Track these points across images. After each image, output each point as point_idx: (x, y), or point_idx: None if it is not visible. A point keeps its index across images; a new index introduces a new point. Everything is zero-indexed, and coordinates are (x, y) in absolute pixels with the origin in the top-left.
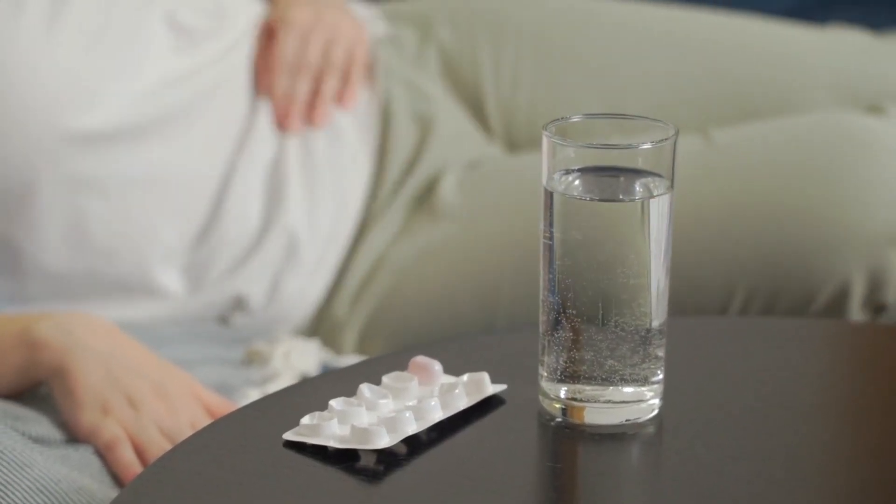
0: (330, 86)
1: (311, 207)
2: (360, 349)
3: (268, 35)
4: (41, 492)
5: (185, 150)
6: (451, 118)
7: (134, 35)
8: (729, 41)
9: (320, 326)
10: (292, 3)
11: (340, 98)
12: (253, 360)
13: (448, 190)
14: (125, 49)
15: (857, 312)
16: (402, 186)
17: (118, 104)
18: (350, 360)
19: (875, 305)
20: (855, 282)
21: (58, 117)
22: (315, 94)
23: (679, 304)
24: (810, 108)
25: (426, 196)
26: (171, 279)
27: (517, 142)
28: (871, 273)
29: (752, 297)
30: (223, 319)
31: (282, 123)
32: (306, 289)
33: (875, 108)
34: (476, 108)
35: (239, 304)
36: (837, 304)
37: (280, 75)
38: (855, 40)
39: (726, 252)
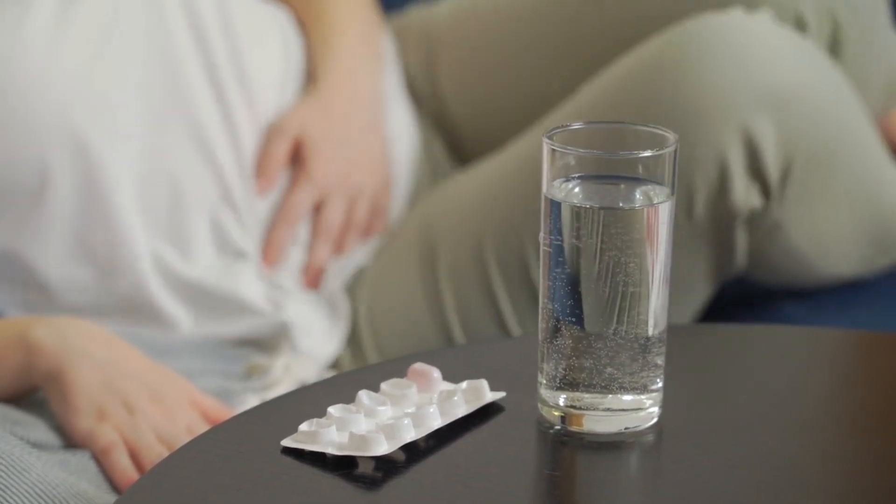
0: (350, 246)
1: None
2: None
3: (294, 150)
4: (39, 496)
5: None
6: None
7: (137, 40)
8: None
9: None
10: (321, 111)
11: (365, 233)
12: (253, 373)
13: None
14: (131, 55)
15: (743, 196)
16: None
17: (125, 112)
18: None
19: (759, 183)
20: (728, 155)
21: (65, 122)
22: (334, 250)
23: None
24: None
25: None
26: (175, 307)
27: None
28: (743, 142)
29: None
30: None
31: (307, 284)
32: (322, 344)
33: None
34: (451, 139)
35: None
36: (722, 193)
37: (291, 230)
38: None
39: None
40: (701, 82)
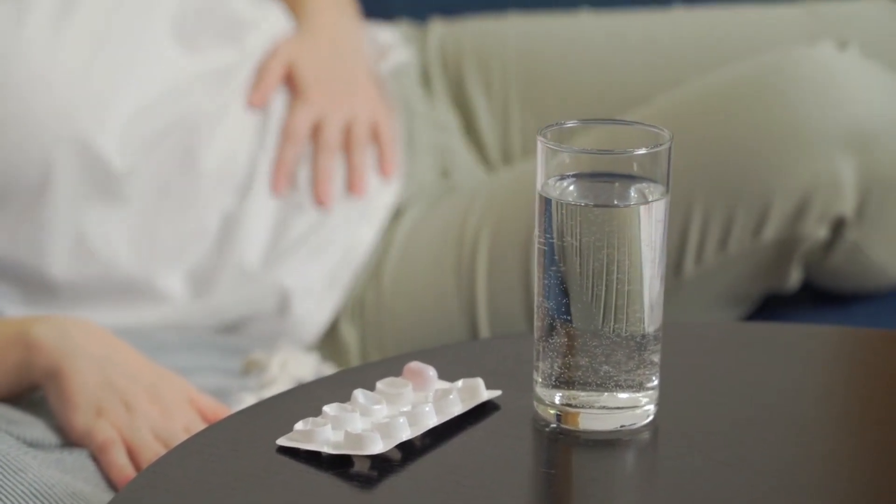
0: (363, 161)
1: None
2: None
3: (287, 80)
4: (35, 496)
5: (194, 161)
6: (464, 149)
7: (138, 39)
8: (717, 38)
9: (327, 343)
10: (310, 41)
11: (381, 169)
12: (250, 369)
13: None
14: (130, 54)
15: (814, 227)
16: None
17: (126, 110)
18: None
19: (833, 219)
20: (809, 190)
21: (65, 121)
22: (352, 169)
23: None
24: None
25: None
26: (174, 284)
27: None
28: (824, 180)
29: (709, 220)
30: (229, 328)
31: (319, 200)
32: (315, 312)
33: (841, 46)
34: (474, 138)
35: (246, 317)
36: (795, 222)
37: (295, 149)
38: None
39: (680, 173)
40: (792, 116)
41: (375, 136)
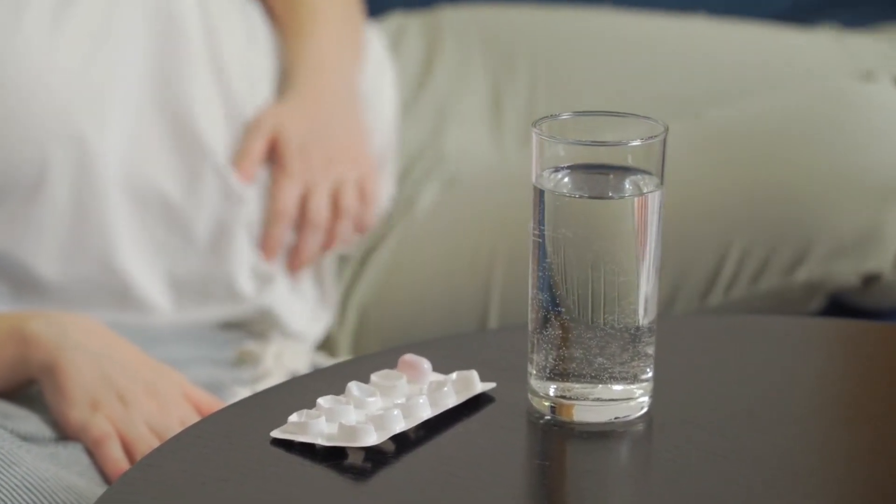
0: (343, 235)
1: None
2: (354, 351)
3: (270, 153)
4: (28, 490)
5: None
6: (463, 139)
7: (133, 38)
8: (738, 56)
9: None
10: (296, 108)
11: (350, 239)
12: (244, 360)
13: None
14: (125, 53)
15: (848, 276)
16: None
17: (121, 110)
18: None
19: (870, 273)
20: (851, 239)
21: (62, 120)
22: (326, 242)
23: (674, 263)
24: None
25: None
26: (162, 292)
27: None
28: (867, 233)
29: (746, 256)
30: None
31: (292, 270)
32: (308, 326)
33: (868, 75)
34: (494, 125)
35: (234, 325)
36: (830, 267)
37: (283, 229)
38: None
39: (720, 209)
40: (844, 159)
41: (362, 196)
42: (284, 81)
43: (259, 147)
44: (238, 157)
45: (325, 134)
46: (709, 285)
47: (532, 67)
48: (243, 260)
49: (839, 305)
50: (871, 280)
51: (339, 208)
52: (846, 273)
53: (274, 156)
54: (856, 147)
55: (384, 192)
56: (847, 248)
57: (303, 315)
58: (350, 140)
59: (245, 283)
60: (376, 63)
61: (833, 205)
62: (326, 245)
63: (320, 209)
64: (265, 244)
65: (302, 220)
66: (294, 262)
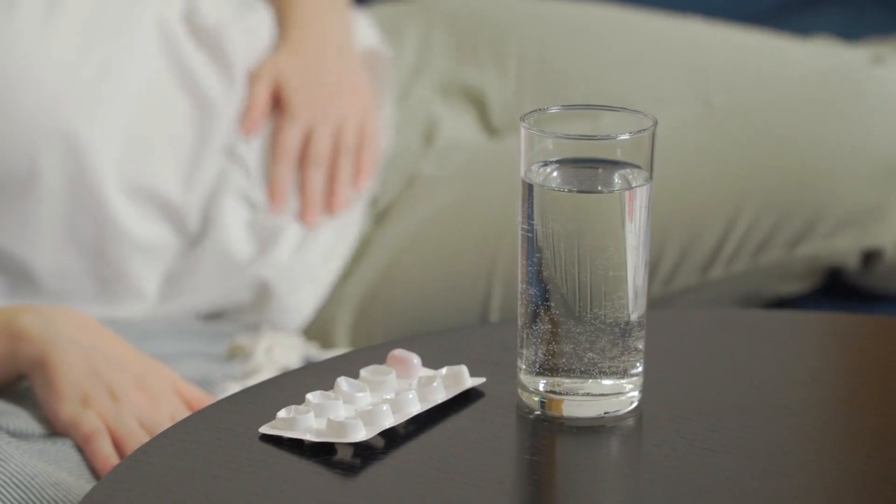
0: (344, 172)
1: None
2: (352, 343)
3: (273, 101)
4: (17, 486)
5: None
6: (454, 126)
7: (125, 33)
8: (724, 52)
9: (311, 324)
10: (293, 53)
11: (355, 180)
12: (235, 354)
13: (430, 170)
14: (120, 48)
15: (849, 252)
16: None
17: (113, 105)
18: (334, 355)
19: (870, 249)
20: (854, 216)
21: (53, 114)
22: (330, 179)
23: (680, 236)
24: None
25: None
26: (151, 283)
27: None
28: (871, 210)
29: (751, 229)
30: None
31: (303, 219)
32: (301, 304)
33: (877, 58)
34: (480, 113)
35: (224, 311)
36: (832, 243)
37: (287, 168)
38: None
39: (729, 182)
40: (854, 138)
41: (362, 135)
42: (279, 33)
43: (263, 97)
44: (244, 112)
45: (325, 74)
46: (712, 258)
47: (520, 58)
48: (238, 220)
49: (841, 287)
50: (872, 257)
51: (341, 146)
52: (848, 248)
53: (277, 103)
54: (862, 125)
55: (383, 136)
56: (850, 224)
57: (316, 257)
58: (349, 79)
59: (242, 247)
60: (371, 50)
61: (838, 181)
62: (330, 183)
63: (323, 147)
64: (272, 187)
65: (305, 159)
66: (305, 205)
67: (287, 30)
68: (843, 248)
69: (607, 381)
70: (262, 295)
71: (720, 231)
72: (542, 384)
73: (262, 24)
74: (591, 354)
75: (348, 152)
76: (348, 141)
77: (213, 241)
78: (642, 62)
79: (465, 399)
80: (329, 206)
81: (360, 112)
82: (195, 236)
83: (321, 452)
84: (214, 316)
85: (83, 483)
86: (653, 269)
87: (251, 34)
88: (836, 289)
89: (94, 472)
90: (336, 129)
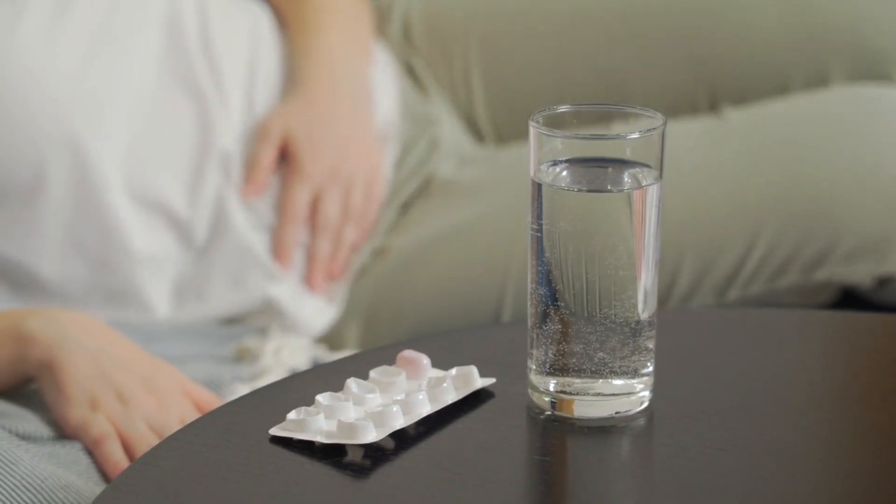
0: (349, 239)
1: None
2: (361, 347)
3: (281, 153)
4: (27, 489)
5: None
6: (447, 123)
7: (130, 41)
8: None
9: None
10: (304, 105)
11: (357, 246)
12: (243, 356)
13: (446, 175)
14: (126, 55)
15: (865, 278)
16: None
17: (117, 112)
18: (342, 356)
19: (882, 277)
20: (872, 243)
21: (59, 121)
22: (334, 246)
23: (698, 258)
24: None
25: (422, 189)
26: (159, 293)
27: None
28: (883, 232)
29: (770, 254)
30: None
31: (309, 283)
32: (315, 316)
33: (883, 76)
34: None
35: (235, 320)
36: (848, 268)
37: (296, 230)
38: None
39: (749, 207)
40: (872, 163)
41: (369, 196)
42: (291, 79)
43: (270, 156)
44: (249, 168)
45: (334, 131)
46: (729, 280)
47: (465, 55)
48: (247, 225)
49: (851, 298)
50: (885, 281)
51: (349, 210)
52: (863, 275)
53: (285, 156)
54: (879, 151)
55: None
56: (866, 251)
57: (308, 306)
58: (359, 138)
59: (250, 272)
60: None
61: (856, 208)
62: (334, 249)
63: (332, 213)
64: (278, 246)
65: (315, 225)
66: (311, 271)
67: (301, 72)
68: (860, 274)
69: (618, 381)
70: (274, 309)
71: (739, 255)
72: (552, 384)
73: (265, 31)
74: (601, 354)
75: (355, 218)
76: (356, 204)
77: (222, 247)
78: (588, 47)
79: (475, 400)
80: (330, 271)
81: (369, 171)
82: (203, 244)
83: (331, 454)
84: (227, 321)
85: (93, 486)
86: (669, 290)
87: (255, 38)
88: (848, 299)
89: (104, 475)
90: (345, 192)
